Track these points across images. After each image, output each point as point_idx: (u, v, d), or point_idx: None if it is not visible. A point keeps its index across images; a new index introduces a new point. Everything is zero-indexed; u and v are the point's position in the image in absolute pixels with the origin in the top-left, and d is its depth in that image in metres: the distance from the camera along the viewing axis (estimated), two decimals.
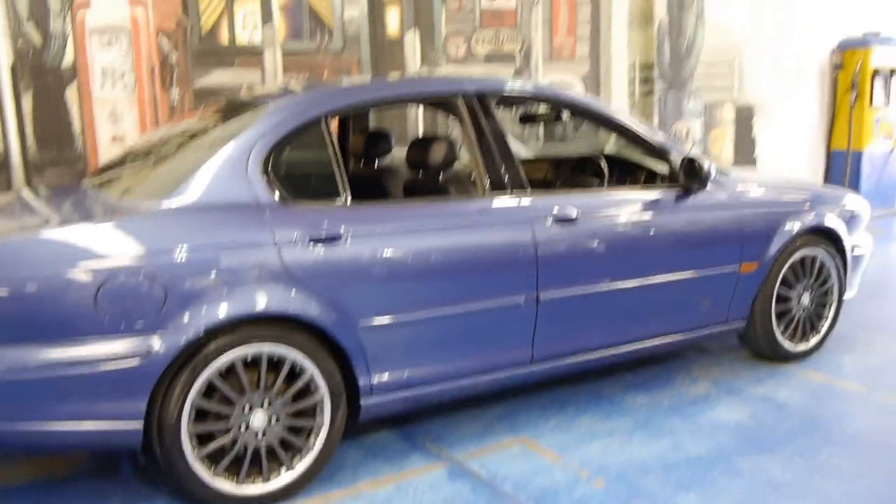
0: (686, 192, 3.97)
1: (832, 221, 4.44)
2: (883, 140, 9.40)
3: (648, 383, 4.21)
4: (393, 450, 3.52)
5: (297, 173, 3.37)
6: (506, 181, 3.52)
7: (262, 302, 2.95)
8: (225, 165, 3.04)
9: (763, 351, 4.40)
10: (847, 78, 9.28)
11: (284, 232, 3.01)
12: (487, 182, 3.51)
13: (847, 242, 4.56)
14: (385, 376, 3.25)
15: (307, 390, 3.11)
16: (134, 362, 2.79)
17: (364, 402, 3.24)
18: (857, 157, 9.34)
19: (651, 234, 3.84)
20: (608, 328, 3.82)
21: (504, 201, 3.50)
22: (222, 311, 2.89)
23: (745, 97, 8.72)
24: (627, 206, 3.81)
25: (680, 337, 4.07)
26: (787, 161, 9.03)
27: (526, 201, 3.53)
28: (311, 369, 3.08)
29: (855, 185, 9.19)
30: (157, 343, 2.81)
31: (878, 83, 9.18)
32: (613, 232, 3.73)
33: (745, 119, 8.75)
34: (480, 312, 3.41)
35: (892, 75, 9.19)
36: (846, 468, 3.27)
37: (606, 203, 3.77)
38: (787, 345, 4.40)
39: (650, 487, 3.18)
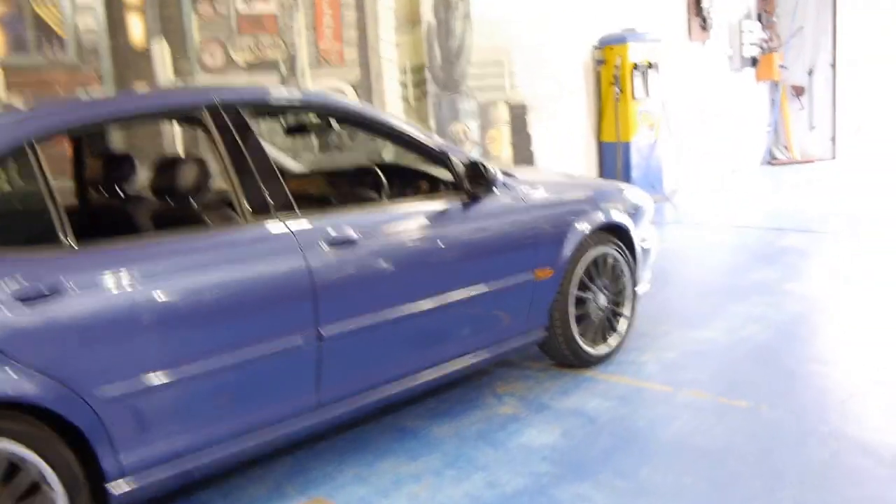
0: (472, 199, 3.63)
1: (620, 217, 4.30)
2: (647, 131, 9.74)
3: (454, 409, 3.84)
4: None
5: (4, 211, 2.68)
6: (269, 204, 3.01)
7: None
8: None
9: (566, 359, 4.17)
10: (609, 73, 9.52)
11: None
12: (247, 206, 2.98)
13: (635, 237, 4.44)
14: (138, 453, 2.64)
15: (34, 489, 2.44)
16: None
17: (113, 489, 2.61)
18: (626, 148, 9.61)
19: (440, 248, 3.47)
20: (403, 357, 3.40)
21: (269, 227, 2.99)
22: None
23: (518, 96, 8.68)
24: (412, 220, 3.41)
25: (482, 355, 3.73)
26: (562, 156, 9.12)
27: (295, 225, 3.04)
28: (34, 461, 2.41)
29: (626, 175, 9.45)
30: None
31: (638, 77, 9.49)
32: (399, 250, 3.32)
33: (519, 117, 8.72)
34: (250, 360, 2.87)
35: (649, 69, 9.53)
36: (668, 485, 3.04)
37: (388, 219, 3.36)
38: (589, 349, 4.20)
39: None
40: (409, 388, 3.44)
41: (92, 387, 2.51)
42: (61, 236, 2.55)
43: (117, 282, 2.57)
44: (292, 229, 3.01)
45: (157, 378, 2.64)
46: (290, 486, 3.22)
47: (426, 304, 3.39)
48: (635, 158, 9.65)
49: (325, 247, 3.05)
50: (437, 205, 3.53)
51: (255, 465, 3.35)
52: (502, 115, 8.55)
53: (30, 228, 2.64)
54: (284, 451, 3.44)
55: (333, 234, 3.09)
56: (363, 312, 3.18)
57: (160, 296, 2.64)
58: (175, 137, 6.24)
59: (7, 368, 2.34)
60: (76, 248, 2.57)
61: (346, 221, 3.18)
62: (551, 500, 2.99)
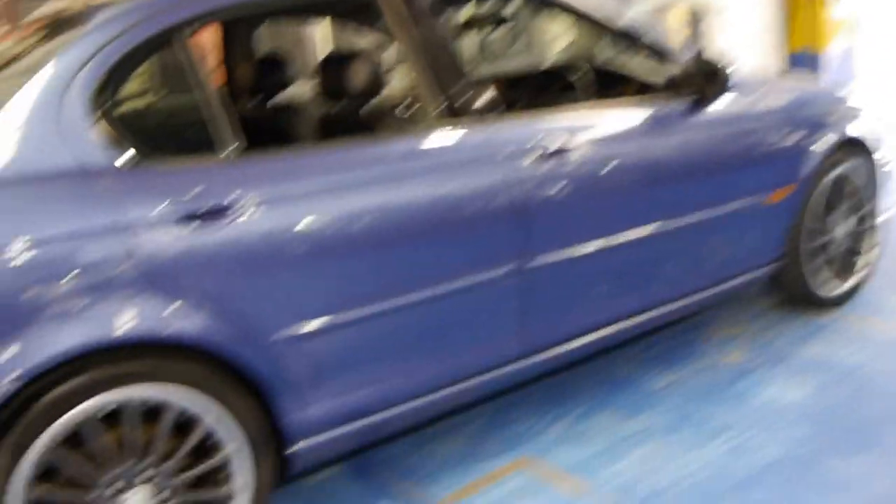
0: (699, 102, 2.95)
1: (862, 132, 3.50)
2: (841, 38, 8.61)
3: (669, 356, 3.23)
4: (346, 499, 2.48)
5: (151, 117, 2.23)
6: (466, 106, 2.45)
7: (111, 324, 1.85)
8: (26, 112, 1.88)
9: (800, 297, 3.46)
10: None
11: (136, 210, 1.90)
12: (438, 107, 2.42)
13: (877, 156, 3.63)
14: (320, 409, 2.18)
15: (208, 447, 2.03)
16: None
17: (292, 449, 2.18)
18: (817, 59, 8.53)
19: (667, 161, 2.82)
20: (616, 295, 2.80)
21: (466, 133, 2.43)
22: (47, 346, 1.78)
23: None
24: (632, 126, 2.77)
25: (705, 293, 3.08)
26: (747, 63, 8.14)
27: (499, 130, 2.47)
28: (209, 415, 2.00)
29: None
30: None
31: None
32: (616, 164, 2.69)
33: (696, 22, 7.81)
34: (445, 298, 2.35)
35: None
36: None
37: (605, 124, 2.72)
38: (828, 286, 3.47)
39: None
40: (621, 332, 2.85)
41: (268, 327, 2.05)
42: (222, 145, 2.08)
43: (292, 199, 2.08)
44: (493, 136, 2.45)
45: (343, 316, 2.17)
46: (489, 442, 2.73)
47: (645, 231, 2.78)
48: (826, 70, 8.56)
49: (532, 158, 2.47)
50: (660, 107, 2.87)
51: (449, 417, 2.87)
52: (678, 19, 7.66)
53: (183, 136, 2.18)
54: (477, 403, 2.94)
55: (542, 142, 2.50)
56: (575, 241, 2.60)
57: (343, 216, 2.14)
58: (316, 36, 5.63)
59: (174, 303, 1.92)
60: (241, 159, 2.10)
61: (557, 126, 2.58)
62: (824, 475, 2.37)
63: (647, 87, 3.11)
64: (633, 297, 2.84)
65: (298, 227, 2.07)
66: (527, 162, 2.45)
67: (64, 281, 1.79)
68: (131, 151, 1.96)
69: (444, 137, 2.38)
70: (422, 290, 2.30)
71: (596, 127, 2.67)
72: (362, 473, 2.61)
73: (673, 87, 2.97)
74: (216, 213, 1.97)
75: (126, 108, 2.15)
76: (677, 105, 2.89)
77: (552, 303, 2.60)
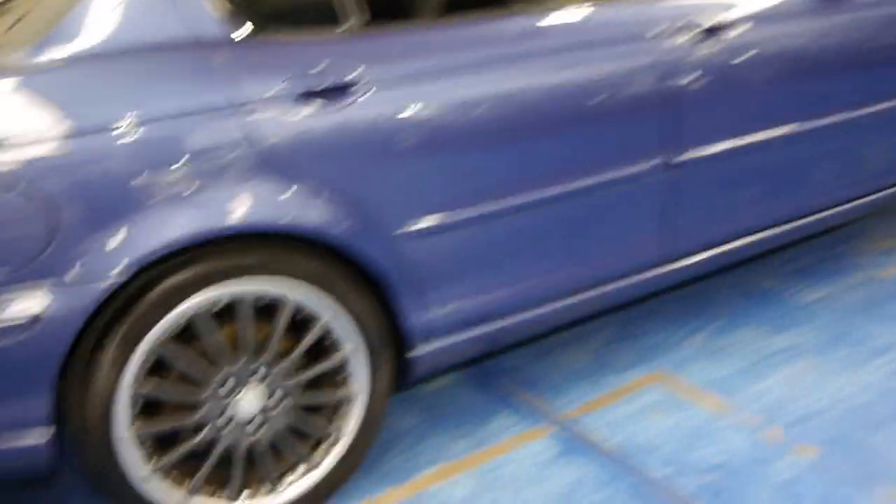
0: None
1: None
2: None
3: (818, 268, 2.93)
4: (466, 409, 2.33)
5: None
6: None
7: (227, 211, 1.69)
8: None
9: None
10: None
11: (253, 86, 1.71)
12: None
13: None
14: (446, 310, 2.00)
15: (325, 347, 1.89)
16: (16, 337, 1.58)
17: (412, 354, 2.02)
18: None
19: (831, 46, 2.47)
20: (769, 200, 2.50)
21: (611, 7, 2.14)
22: (157, 234, 1.63)
23: None
24: (796, 3, 2.42)
25: (864, 201, 2.74)
26: None
27: (648, 4, 2.17)
28: (326, 314, 1.85)
29: None
30: (49, 299, 1.58)
31: None
32: (781, 48, 2.35)
33: None
34: (582, 195, 2.11)
35: None
36: None
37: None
38: None
39: None
40: (769, 240, 2.55)
41: (391, 220, 1.87)
42: (344, 17, 1.86)
43: (419, 78, 1.86)
44: (641, 11, 2.15)
45: (473, 210, 1.96)
46: (618, 354, 2.52)
47: (802, 128, 2.45)
48: None
49: (685, 38, 2.17)
50: None
51: (573, 328, 2.68)
52: None
53: (303, 7, 1.98)
54: (608, 312, 2.73)
55: (696, 19, 2.19)
56: (727, 134, 2.30)
57: (473, 101, 1.90)
58: None
59: (293, 189, 1.75)
60: (365, 33, 1.88)
61: (710, 2, 2.26)
62: None
63: None
64: (785, 201, 2.54)
65: (426, 110, 1.85)
66: (679, 41, 2.15)
67: (174, 163, 1.64)
68: (248, 23, 1.77)
69: (586, 13, 2.11)
70: (557, 185, 2.07)
71: (754, 2, 2.34)
72: (482, 382, 2.45)
73: None
74: (338, 92, 1.77)
75: None
76: None
77: (698, 203, 2.33)
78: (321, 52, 1.79)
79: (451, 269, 1.99)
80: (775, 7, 2.36)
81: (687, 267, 2.39)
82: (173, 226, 1.64)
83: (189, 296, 1.70)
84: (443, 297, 1.99)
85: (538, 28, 2.06)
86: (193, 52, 1.71)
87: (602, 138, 2.12)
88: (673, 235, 2.31)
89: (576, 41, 2.07)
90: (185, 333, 1.75)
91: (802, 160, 2.50)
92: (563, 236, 2.15)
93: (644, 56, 2.11)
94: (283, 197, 1.73)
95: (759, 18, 2.31)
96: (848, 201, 2.67)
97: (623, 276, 2.29)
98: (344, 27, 1.86)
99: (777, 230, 2.54)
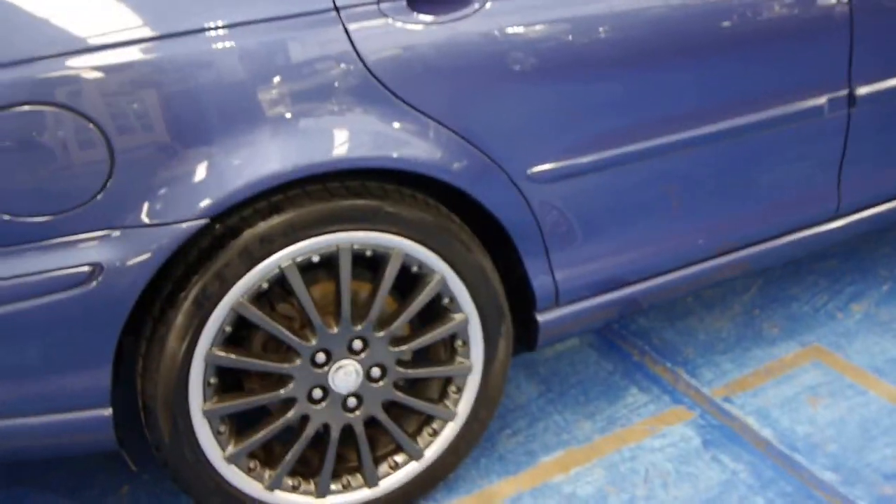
0: None
1: None
2: None
3: None
4: (591, 381, 2.00)
5: None
6: None
7: (331, 142, 1.36)
8: None
9: None
10: None
11: None
12: None
13: None
14: (582, 270, 1.66)
15: (438, 310, 1.57)
16: (74, 292, 1.29)
17: (544, 317, 1.67)
18: None
19: None
20: None
21: None
22: (253, 166, 1.32)
23: None
24: None
25: None
26: None
27: None
28: (441, 269, 1.52)
29: None
30: (112, 246, 1.29)
31: None
32: None
33: None
34: (749, 131, 1.71)
35: None
36: None
37: None
38: None
39: None
40: None
41: (526, 158, 1.52)
42: None
43: None
44: None
45: (612, 151, 1.59)
46: (765, 322, 2.15)
47: None
48: None
49: None
50: None
51: (706, 292, 2.31)
52: None
53: None
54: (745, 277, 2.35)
55: None
56: None
57: (617, 16, 1.52)
58: None
59: (402, 118, 1.40)
60: None
61: None
62: None
63: None
64: None
65: (557, 26, 1.47)
66: None
67: (269, 80, 1.31)
68: None
69: None
70: (716, 122, 1.68)
71: None
72: (610, 347, 2.11)
73: None
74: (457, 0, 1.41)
75: None
76: None
77: (877, 146, 1.92)
78: None
79: (587, 221, 1.64)
80: None
81: (859, 221, 1.99)
82: (268, 158, 1.33)
83: (282, 246, 1.39)
84: (577, 255, 1.64)
85: None
86: None
87: (769, 65, 1.71)
88: (851, 182, 1.91)
89: None
90: (273, 293, 1.45)
91: None
92: (724, 183, 1.77)
93: None
94: (394, 126, 1.39)
95: None
96: None
97: (787, 232, 1.90)
98: None
99: None
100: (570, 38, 1.48)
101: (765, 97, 1.72)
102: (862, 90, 1.80)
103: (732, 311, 2.21)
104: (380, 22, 1.36)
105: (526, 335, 1.71)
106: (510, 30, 1.44)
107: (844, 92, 1.78)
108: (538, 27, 1.46)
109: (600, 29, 1.50)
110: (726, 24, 1.62)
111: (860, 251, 2.40)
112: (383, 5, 1.36)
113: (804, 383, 1.93)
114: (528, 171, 1.52)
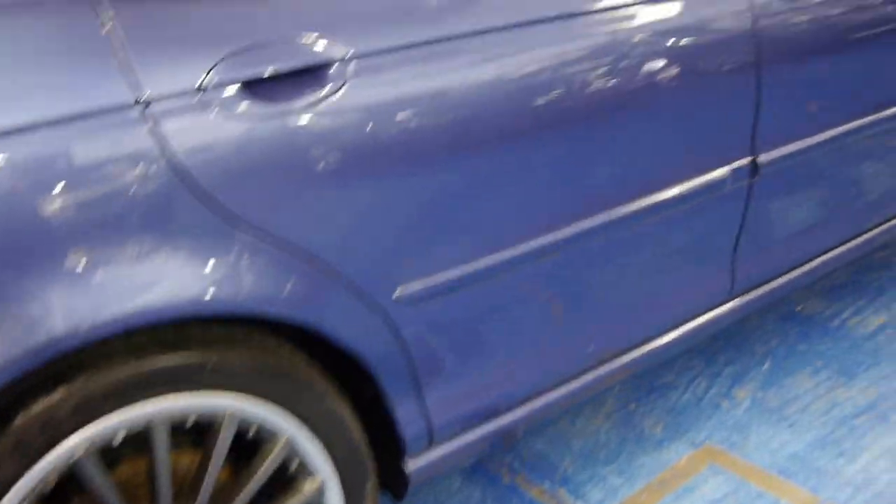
0: None
1: None
2: None
3: (862, 284, 2.33)
4: None
5: None
6: None
7: (133, 289, 0.92)
8: None
9: None
10: None
11: (155, 76, 0.93)
12: None
13: None
14: (460, 402, 1.28)
15: (285, 479, 1.12)
16: None
17: (416, 463, 1.26)
18: None
19: None
20: (839, 209, 1.88)
21: None
22: (31, 332, 0.85)
23: None
24: None
25: None
26: None
27: None
28: (288, 428, 1.07)
29: None
30: None
31: None
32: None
33: None
34: (639, 219, 1.40)
35: None
36: None
37: None
38: None
39: None
40: (835, 265, 1.92)
41: (385, 278, 1.12)
42: None
43: (428, 55, 1.10)
44: None
45: (488, 260, 1.22)
46: (645, 420, 1.85)
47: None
48: None
49: None
50: None
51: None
52: None
53: None
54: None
55: None
56: (810, 127, 1.66)
57: (499, 90, 1.17)
58: None
59: (223, 247, 0.97)
60: None
61: None
62: None
63: None
64: (855, 211, 1.93)
65: (422, 119, 1.09)
66: None
67: (34, 212, 0.86)
68: None
69: None
70: (604, 211, 1.36)
71: None
72: (476, 469, 1.72)
73: None
74: (298, 82, 0.99)
75: None
76: None
77: (774, 216, 1.68)
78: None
79: (467, 344, 1.26)
80: None
81: (758, 299, 1.74)
82: (42, 320, 0.86)
83: (71, 430, 0.92)
84: (455, 386, 1.25)
85: None
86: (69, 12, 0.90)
87: (668, 131, 1.42)
88: (745, 258, 1.65)
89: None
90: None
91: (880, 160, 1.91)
92: (605, 285, 1.44)
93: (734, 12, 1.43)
94: (219, 255, 0.96)
95: None
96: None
97: (678, 325, 1.61)
98: None
99: (840, 247, 1.92)
100: (437, 131, 1.10)
101: (656, 178, 1.42)
102: (766, 157, 1.56)
103: (606, 408, 1.90)
104: (201, 119, 0.92)
105: (392, 483, 1.29)
106: (368, 123, 1.05)
107: (747, 160, 1.52)
108: (400, 118, 1.07)
109: (469, 115, 1.13)
110: (612, 96, 1.31)
111: (729, 330, 2.18)
112: (206, 96, 0.92)
113: (706, 496, 1.63)
114: (394, 294, 1.12)
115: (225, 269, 0.97)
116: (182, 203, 0.93)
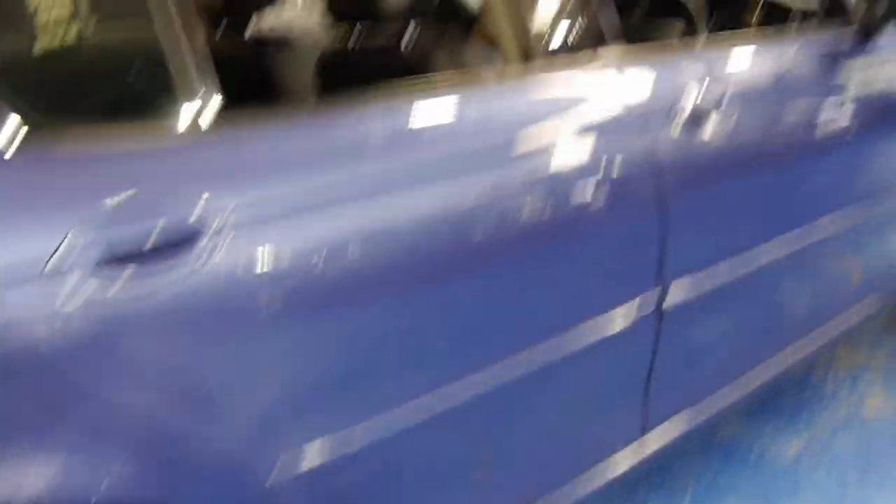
0: (867, 32, 1.95)
1: None
2: None
3: (779, 406, 2.26)
4: None
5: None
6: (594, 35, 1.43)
7: None
8: None
9: None
10: None
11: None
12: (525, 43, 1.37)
13: None
14: None
15: None
16: None
17: None
18: None
19: (835, 129, 1.86)
20: (755, 338, 1.86)
21: (596, 75, 1.41)
22: None
23: None
24: (796, 70, 1.79)
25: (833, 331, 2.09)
26: None
27: (636, 75, 1.45)
28: None
29: None
30: None
31: None
32: (790, 127, 1.73)
33: None
34: (549, 366, 1.33)
35: None
36: None
37: (760, 66, 1.72)
38: None
39: None
40: (749, 390, 1.86)
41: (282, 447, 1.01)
42: (184, 105, 0.98)
43: (297, 207, 1.01)
44: (617, 83, 1.42)
45: (402, 421, 1.14)
46: None
47: (803, 240, 1.82)
48: None
49: (680, 120, 1.47)
50: (821, 40, 1.89)
51: None
52: None
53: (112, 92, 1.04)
54: None
55: (682, 97, 1.49)
56: (730, 255, 1.63)
57: (388, 231, 1.09)
58: None
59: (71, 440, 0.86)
60: (216, 131, 1.00)
61: (694, 72, 1.56)
62: None
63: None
64: (773, 337, 1.91)
65: (312, 265, 0.99)
66: (670, 125, 1.44)
67: None
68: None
69: (540, 85, 1.34)
70: (506, 358, 1.27)
71: (746, 71, 1.68)
72: None
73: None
74: (168, 249, 0.88)
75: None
76: (839, 38, 1.91)
77: (683, 354, 1.62)
78: (140, 171, 0.90)
79: None
80: (775, 75, 1.72)
81: (667, 441, 1.66)
82: None
83: None
84: None
85: (471, 111, 1.26)
86: None
87: (570, 279, 1.36)
88: (655, 399, 1.58)
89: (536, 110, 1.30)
90: None
91: (789, 287, 1.89)
92: (528, 434, 1.37)
93: (633, 142, 1.38)
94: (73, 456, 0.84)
95: (755, 94, 1.66)
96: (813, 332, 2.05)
97: (593, 463, 1.53)
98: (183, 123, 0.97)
99: (753, 375, 1.86)
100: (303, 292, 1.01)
101: (564, 321, 1.35)
102: (675, 295, 1.50)
103: None
104: (39, 297, 0.82)
105: None
106: (236, 286, 0.94)
107: (658, 293, 1.46)
108: (271, 281, 0.97)
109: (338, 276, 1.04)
110: (518, 234, 1.23)
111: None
112: (53, 264, 0.82)
113: None
114: (279, 464, 1.00)
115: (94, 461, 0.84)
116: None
